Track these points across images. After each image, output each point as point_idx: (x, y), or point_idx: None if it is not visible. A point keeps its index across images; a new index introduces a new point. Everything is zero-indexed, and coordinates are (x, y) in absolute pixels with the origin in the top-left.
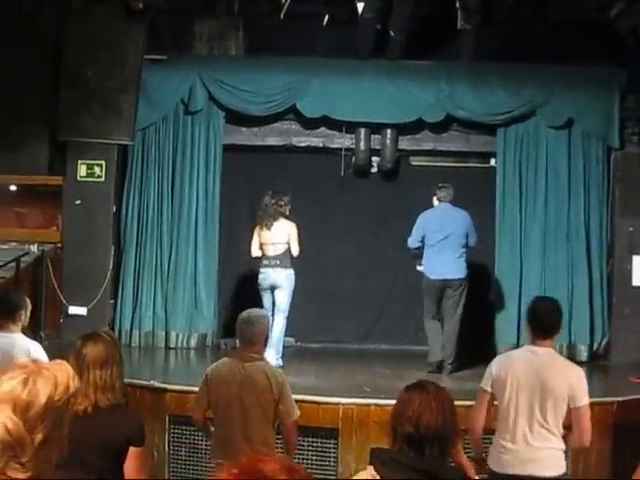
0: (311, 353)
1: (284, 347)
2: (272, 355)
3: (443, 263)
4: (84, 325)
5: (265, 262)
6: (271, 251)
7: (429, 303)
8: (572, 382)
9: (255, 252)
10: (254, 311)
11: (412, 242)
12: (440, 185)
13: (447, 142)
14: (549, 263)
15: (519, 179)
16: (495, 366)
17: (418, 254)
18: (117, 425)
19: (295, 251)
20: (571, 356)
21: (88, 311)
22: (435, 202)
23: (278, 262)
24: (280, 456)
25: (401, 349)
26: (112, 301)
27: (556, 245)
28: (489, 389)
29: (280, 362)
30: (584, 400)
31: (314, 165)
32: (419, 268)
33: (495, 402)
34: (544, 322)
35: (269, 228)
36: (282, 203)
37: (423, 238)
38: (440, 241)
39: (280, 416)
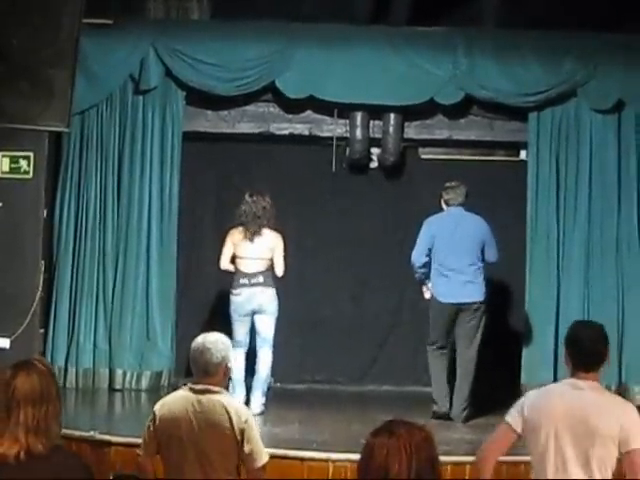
0: (294, 396)
1: None
2: (258, 399)
3: (457, 282)
4: (6, 360)
5: (243, 280)
6: (251, 267)
7: (437, 331)
8: (624, 421)
9: (225, 264)
10: (210, 336)
11: (418, 257)
12: (447, 185)
13: (466, 130)
14: (594, 281)
15: (556, 176)
16: (528, 404)
17: (425, 275)
18: (60, 473)
19: (280, 270)
20: None
21: (12, 343)
22: (444, 207)
23: (261, 280)
24: None
25: (407, 391)
26: (42, 331)
27: (602, 259)
28: (515, 426)
29: (263, 408)
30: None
31: (298, 158)
32: (427, 295)
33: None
34: (588, 352)
35: (251, 239)
36: (266, 206)
37: (430, 251)
38: (452, 255)
39: (245, 461)
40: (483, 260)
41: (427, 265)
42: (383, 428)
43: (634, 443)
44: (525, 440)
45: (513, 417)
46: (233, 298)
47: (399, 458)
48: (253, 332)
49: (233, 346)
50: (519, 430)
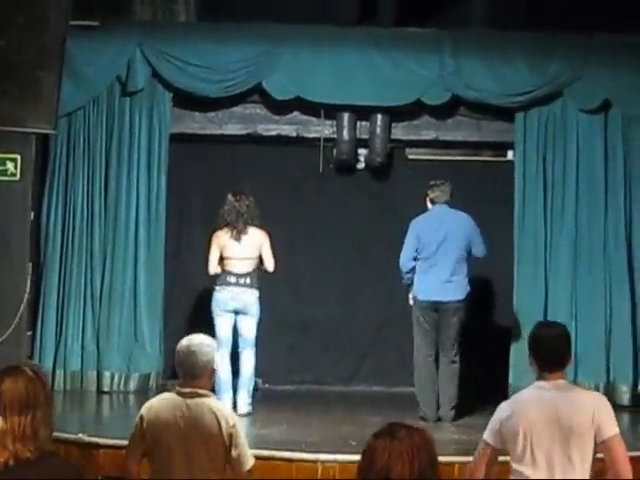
0: (283, 397)
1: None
2: (244, 399)
3: (436, 280)
4: None
5: (230, 280)
6: (239, 267)
7: (421, 335)
8: (595, 412)
9: (214, 268)
10: (195, 338)
11: (406, 261)
12: (432, 183)
13: (453, 130)
14: (581, 282)
15: (543, 176)
16: (502, 417)
17: (412, 280)
18: (51, 478)
19: (270, 265)
20: (610, 399)
21: None
22: (429, 205)
23: (247, 281)
24: None
25: (396, 392)
26: (29, 333)
27: (590, 259)
28: (494, 444)
29: (250, 408)
30: (614, 429)
31: (285, 159)
32: (412, 302)
33: (504, 457)
34: (551, 353)
35: (238, 238)
36: (250, 204)
37: (417, 252)
38: (434, 253)
39: (233, 465)
40: (469, 257)
41: (414, 270)
42: (384, 431)
43: (608, 431)
44: (506, 448)
45: (490, 434)
46: (216, 294)
47: (401, 460)
48: (235, 334)
49: (217, 346)
50: (498, 446)
